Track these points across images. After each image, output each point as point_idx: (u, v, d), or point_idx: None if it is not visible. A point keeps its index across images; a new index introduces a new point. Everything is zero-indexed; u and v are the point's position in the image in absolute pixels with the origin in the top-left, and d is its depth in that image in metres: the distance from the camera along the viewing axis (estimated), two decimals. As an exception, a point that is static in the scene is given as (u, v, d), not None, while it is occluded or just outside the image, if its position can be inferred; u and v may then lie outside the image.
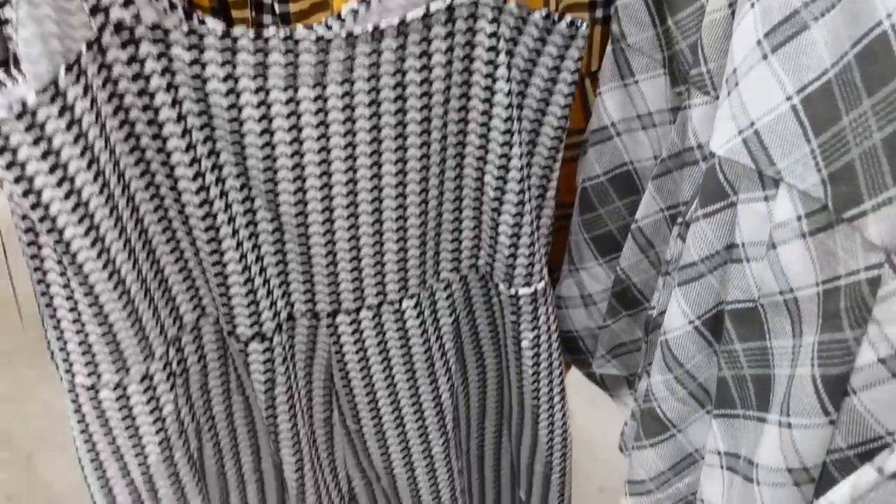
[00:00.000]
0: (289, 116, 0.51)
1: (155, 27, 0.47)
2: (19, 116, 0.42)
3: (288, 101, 0.51)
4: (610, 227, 0.71)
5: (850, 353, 0.42)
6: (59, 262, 0.50)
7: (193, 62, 0.48)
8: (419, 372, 0.66)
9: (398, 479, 0.71)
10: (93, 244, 0.49)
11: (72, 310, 0.52)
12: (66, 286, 0.51)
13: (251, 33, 0.48)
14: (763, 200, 0.48)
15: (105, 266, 0.50)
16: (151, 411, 0.58)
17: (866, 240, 0.41)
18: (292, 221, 0.56)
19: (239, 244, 0.55)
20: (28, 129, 0.42)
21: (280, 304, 0.60)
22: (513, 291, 0.64)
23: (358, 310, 0.62)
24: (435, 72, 0.54)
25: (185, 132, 0.50)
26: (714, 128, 0.51)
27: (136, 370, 0.56)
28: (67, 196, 0.46)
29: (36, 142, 0.43)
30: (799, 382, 0.45)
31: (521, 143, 0.58)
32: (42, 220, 0.46)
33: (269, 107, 0.51)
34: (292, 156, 0.53)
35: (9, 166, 0.43)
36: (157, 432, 0.59)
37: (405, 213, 0.59)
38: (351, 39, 0.50)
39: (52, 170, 0.44)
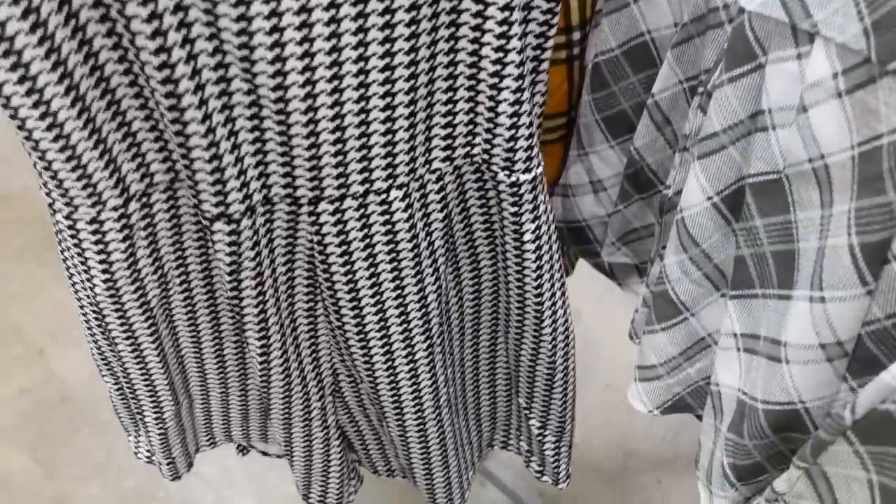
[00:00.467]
0: None
1: None
2: None
3: None
4: (623, 106, 0.67)
5: (893, 217, 0.39)
6: None
7: None
8: (405, 270, 0.62)
9: (379, 382, 0.68)
10: (28, 93, 0.46)
11: (20, 129, 0.51)
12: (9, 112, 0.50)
13: None
14: (795, 59, 0.45)
15: (36, 107, 0.48)
16: (98, 252, 0.57)
17: (915, 91, 0.37)
18: (270, 95, 0.51)
19: (207, 116, 0.51)
20: None
21: (254, 185, 0.56)
22: (514, 178, 0.60)
23: (342, 198, 0.58)
24: None
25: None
26: (744, -21, 0.46)
27: (84, 212, 0.55)
28: None
29: None
30: (832, 253, 0.42)
31: (518, 8, 0.52)
32: None
33: None
34: (269, 16, 0.48)
35: None
36: (104, 272, 0.58)
37: (393, 88, 0.54)
38: None
39: None
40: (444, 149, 0.59)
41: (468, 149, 0.60)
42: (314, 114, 0.53)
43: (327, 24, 0.49)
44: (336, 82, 0.52)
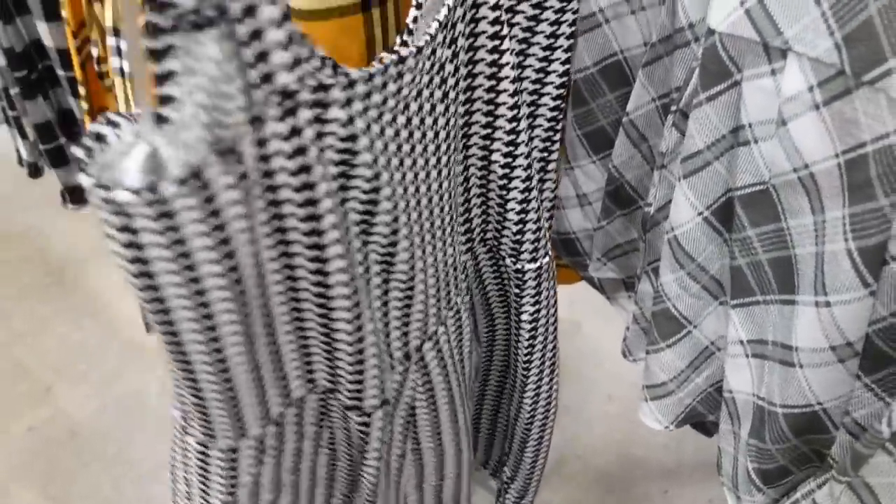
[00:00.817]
0: (427, 148, 0.49)
1: (318, 87, 0.39)
2: (150, 204, 0.36)
3: (423, 132, 0.48)
4: (602, 123, 0.68)
5: (886, 221, 0.40)
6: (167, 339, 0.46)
7: (349, 121, 0.42)
8: (465, 357, 0.68)
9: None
10: (208, 345, 0.45)
11: (178, 367, 0.49)
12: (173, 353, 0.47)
13: (391, 58, 0.42)
14: (770, 75, 0.46)
15: (212, 364, 0.46)
16: (225, 477, 0.55)
17: (893, 99, 0.38)
18: (401, 283, 0.54)
19: (375, 322, 0.53)
20: (159, 217, 0.37)
21: (393, 362, 0.59)
22: (518, 266, 0.65)
23: (437, 331, 0.62)
24: (450, 67, 0.50)
25: (337, 205, 0.44)
26: (710, 3, 0.47)
27: (223, 442, 0.53)
28: (184, 282, 0.41)
29: (163, 231, 0.38)
30: (832, 259, 0.44)
31: (524, 117, 0.56)
32: (143, 289, 0.41)
33: (409, 143, 0.48)
34: (408, 240, 0.51)
35: (128, 245, 0.38)
36: (227, 493, 0.56)
37: (446, 226, 0.57)
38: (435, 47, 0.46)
39: (175, 259, 0.39)
40: (466, 242, 0.64)
41: (482, 234, 0.65)
42: (424, 275, 0.56)
43: (447, 176, 0.53)
44: (444, 228, 0.56)
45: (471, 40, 0.52)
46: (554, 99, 0.60)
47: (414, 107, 0.47)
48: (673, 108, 0.57)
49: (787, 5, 0.43)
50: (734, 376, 0.53)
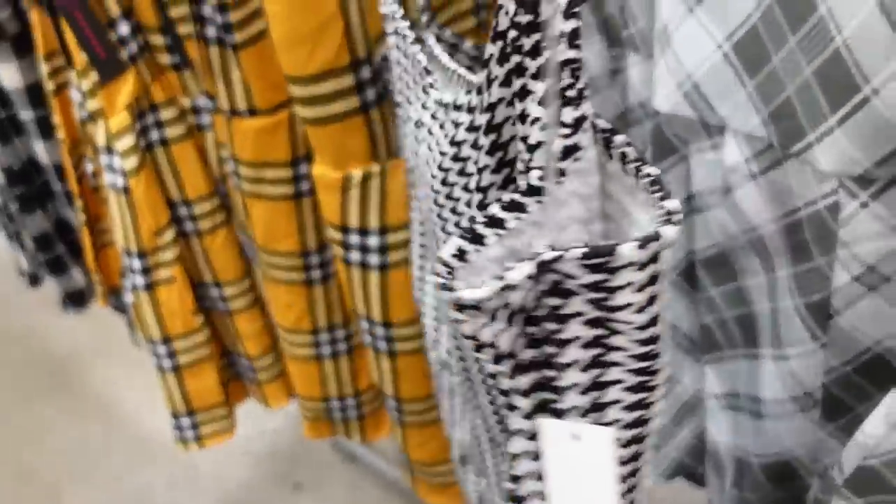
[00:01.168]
0: None
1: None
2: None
3: None
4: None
5: (826, 279, 0.44)
6: None
7: None
8: None
9: None
10: None
11: None
12: None
13: None
14: (712, 149, 0.50)
15: None
16: None
17: (817, 170, 0.42)
18: None
19: None
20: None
21: None
22: None
23: None
24: None
25: None
26: (653, 87, 0.52)
27: None
28: None
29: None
30: (784, 315, 0.47)
31: None
32: None
33: None
34: None
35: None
36: None
37: None
38: None
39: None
40: None
41: None
42: None
43: None
44: None
45: None
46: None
47: None
48: (633, 179, 0.61)
49: (718, 87, 0.47)
50: (714, 428, 0.56)
